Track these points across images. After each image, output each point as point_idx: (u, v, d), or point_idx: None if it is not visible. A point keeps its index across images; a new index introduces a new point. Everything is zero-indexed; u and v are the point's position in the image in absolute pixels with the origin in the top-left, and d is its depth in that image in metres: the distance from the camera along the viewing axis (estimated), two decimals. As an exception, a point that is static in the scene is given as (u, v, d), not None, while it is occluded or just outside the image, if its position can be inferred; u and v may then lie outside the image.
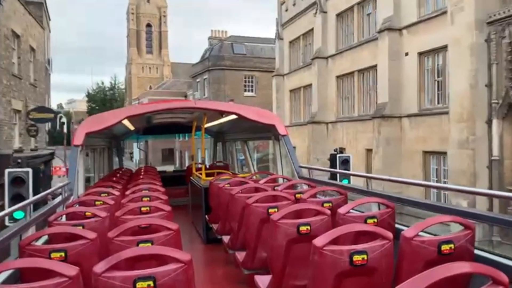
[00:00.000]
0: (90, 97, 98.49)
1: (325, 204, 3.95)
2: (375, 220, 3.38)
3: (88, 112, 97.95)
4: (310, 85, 27.13)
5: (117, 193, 5.29)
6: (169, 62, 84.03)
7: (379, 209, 3.98)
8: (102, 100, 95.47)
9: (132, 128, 10.19)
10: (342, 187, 4.86)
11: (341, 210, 3.50)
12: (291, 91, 30.31)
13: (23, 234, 3.42)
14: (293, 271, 3.24)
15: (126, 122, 7.71)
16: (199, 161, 13.13)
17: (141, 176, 7.95)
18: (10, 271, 2.62)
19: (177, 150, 55.05)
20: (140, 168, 11.04)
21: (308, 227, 3.19)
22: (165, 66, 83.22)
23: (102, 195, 5.04)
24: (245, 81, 40.74)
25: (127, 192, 5.32)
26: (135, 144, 61.90)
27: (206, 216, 6.51)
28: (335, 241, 2.58)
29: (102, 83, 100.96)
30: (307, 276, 2.76)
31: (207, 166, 10.13)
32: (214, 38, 46.31)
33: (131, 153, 71.73)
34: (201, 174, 7.61)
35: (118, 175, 8.35)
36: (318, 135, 25.05)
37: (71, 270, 2.13)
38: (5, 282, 2.59)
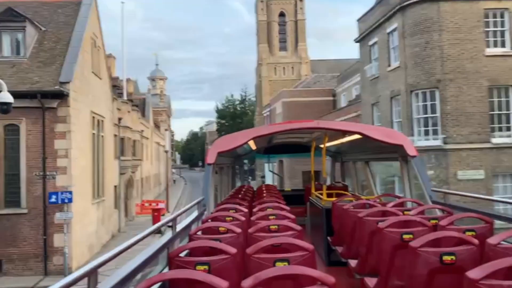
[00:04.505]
0: (220, 113, 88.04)
1: (468, 233, 3.63)
2: None
3: (218, 130, 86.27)
4: None
5: (245, 210, 5.54)
6: (307, 58, 65.06)
7: None
8: (231, 115, 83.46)
9: (254, 147, 10.07)
10: (487, 214, 4.26)
11: (492, 240, 3.12)
12: None
13: (169, 246, 3.60)
14: None
15: (250, 142, 7.75)
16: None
17: (264, 194, 8.11)
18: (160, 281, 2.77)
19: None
20: (261, 186, 10.61)
21: (453, 257, 3.00)
22: (302, 64, 64.41)
23: (230, 211, 5.28)
24: (487, 24, 18.53)
25: (255, 210, 5.58)
26: (266, 166, 47.42)
27: (328, 237, 6.41)
28: (493, 276, 2.35)
29: (232, 96, 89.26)
30: None
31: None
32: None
33: (263, 177, 56.94)
34: (320, 194, 7.50)
35: (243, 191, 8.60)
36: None
37: (222, 284, 2.35)
38: None
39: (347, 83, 38.79)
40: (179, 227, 4.08)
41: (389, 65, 21.20)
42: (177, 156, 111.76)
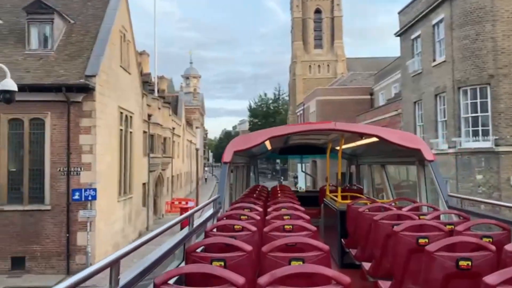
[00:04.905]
0: (252, 112, 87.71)
1: (485, 239, 3.56)
2: None
3: (250, 129, 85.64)
4: None
5: (260, 209, 5.60)
6: (344, 56, 63.14)
7: None
8: (264, 114, 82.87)
9: (269, 147, 10.14)
10: (505, 221, 4.23)
11: (509, 247, 3.10)
12: None
13: (186, 241, 3.69)
14: None
15: (266, 142, 7.71)
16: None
17: (279, 194, 8.20)
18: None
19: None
20: (276, 186, 10.77)
21: (469, 263, 2.99)
22: (338, 62, 62.50)
23: (245, 210, 5.34)
24: (548, 13, 16.62)
25: (269, 209, 5.64)
26: (299, 166, 46.36)
27: (342, 240, 6.42)
28: (508, 281, 2.34)
29: (265, 94, 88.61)
30: None
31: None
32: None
33: (295, 177, 55.81)
34: (335, 196, 7.48)
35: (257, 191, 8.68)
36: None
37: (239, 279, 2.41)
38: (175, 283, 2.78)
39: (385, 81, 37.02)
40: (195, 224, 4.15)
41: (434, 60, 19.57)
42: (210, 154, 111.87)
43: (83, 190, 15.86)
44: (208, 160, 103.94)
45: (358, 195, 8.34)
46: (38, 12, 17.39)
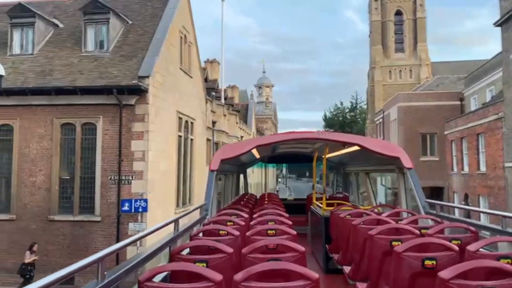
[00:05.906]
0: (328, 122, 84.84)
1: (453, 241, 3.78)
2: (510, 260, 3.10)
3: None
4: None
5: (246, 215, 5.85)
6: (428, 60, 58.11)
7: None
8: (340, 124, 79.71)
9: (258, 156, 10.50)
10: (473, 225, 4.57)
11: (471, 247, 3.35)
12: None
13: (171, 244, 3.93)
14: None
15: (253, 151, 7.92)
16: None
17: (265, 202, 8.47)
18: (163, 273, 3.17)
19: (456, 191, 28.96)
20: (264, 195, 11.04)
21: (434, 262, 3.17)
22: (422, 66, 57.60)
23: (232, 216, 5.54)
24: None
25: (255, 215, 5.88)
26: (378, 180, 42.79)
27: (327, 245, 6.55)
28: (463, 276, 2.52)
29: (341, 104, 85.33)
30: None
31: (327, 197, 9.18)
32: None
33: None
34: (321, 203, 7.68)
35: (245, 199, 9.17)
36: None
37: (217, 276, 2.59)
38: (161, 281, 3.02)
39: (479, 84, 32.55)
40: (182, 229, 4.42)
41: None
42: (284, 165, 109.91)
43: (133, 201, 14.54)
44: (281, 171, 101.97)
45: (344, 202, 8.42)
46: (94, 12, 16.63)
